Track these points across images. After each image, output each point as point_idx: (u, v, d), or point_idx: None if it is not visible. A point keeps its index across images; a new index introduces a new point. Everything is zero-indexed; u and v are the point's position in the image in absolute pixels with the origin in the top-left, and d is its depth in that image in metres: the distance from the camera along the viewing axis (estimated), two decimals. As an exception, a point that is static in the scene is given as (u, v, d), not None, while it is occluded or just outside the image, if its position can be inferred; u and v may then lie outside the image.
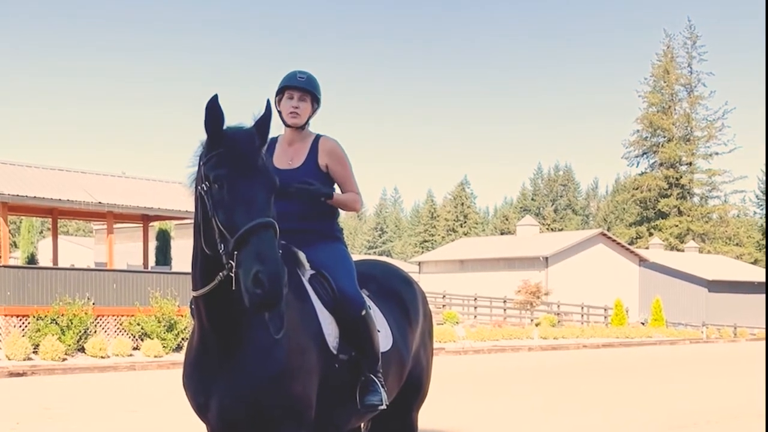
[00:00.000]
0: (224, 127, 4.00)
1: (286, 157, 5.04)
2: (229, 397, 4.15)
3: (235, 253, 3.69)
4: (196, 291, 4.13)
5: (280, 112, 5.04)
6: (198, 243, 4.05)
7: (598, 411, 13.56)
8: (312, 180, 4.93)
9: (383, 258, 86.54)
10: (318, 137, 5.10)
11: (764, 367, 18.90)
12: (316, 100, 5.06)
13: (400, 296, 5.43)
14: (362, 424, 5.48)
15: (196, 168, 4.11)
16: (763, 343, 48.68)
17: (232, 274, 3.73)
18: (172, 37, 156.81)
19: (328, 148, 5.05)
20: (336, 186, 5.13)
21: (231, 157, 3.88)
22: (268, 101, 4.15)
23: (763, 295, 65.31)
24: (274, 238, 3.73)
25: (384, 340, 4.95)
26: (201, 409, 4.35)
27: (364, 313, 4.70)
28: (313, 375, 4.33)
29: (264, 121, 4.10)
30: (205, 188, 3.89)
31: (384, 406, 4.72)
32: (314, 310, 4.54)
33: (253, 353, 4.14)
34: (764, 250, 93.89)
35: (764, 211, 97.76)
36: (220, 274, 3.87)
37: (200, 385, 4.29)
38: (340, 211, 5.20)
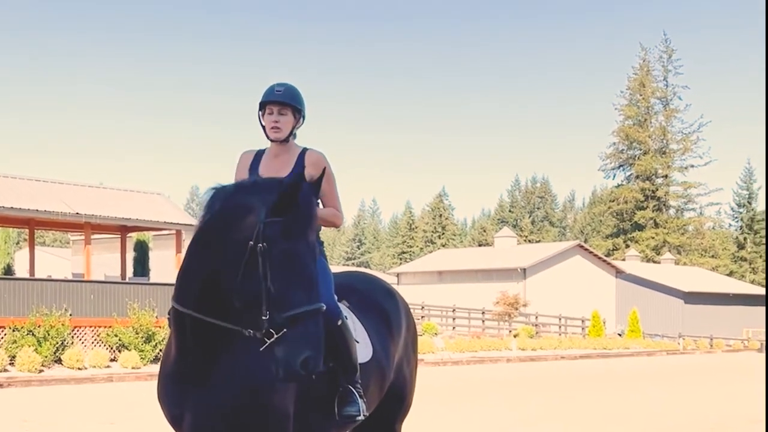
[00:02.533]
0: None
1: (272, 170, 5.02)
2: (205, 410, 4.16)
3: (284, 327, 3.73)
4: (185, 308, 4.13)
5: (263, 127, 5.05)
6: (211, 270, 4.01)
7: (578, 423, 13.59)
8: None
9: (362, 269, 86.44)
10: (305, 150, 5.10)
11: (744, 378, 19.01)
12: (297, 111, 5.06)
13: (382, 308, 5.42)
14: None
15: (238, 202, 4.06)
16: (740, 354, 49.07)
17: (267, 340, 3.75)
18: (149, 44, 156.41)
19: (314, 160, 5.03)
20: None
21: (297, 230, 3.92)
22: (324, 169, 4.22)
23: (739, 307, 65.85)
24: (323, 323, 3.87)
25: (363, 350, 4.93)
26: (176, 421, 4.34)
27: (340, 323, 4.67)
28: (290, 387, 4.32)
29: (318, 185, 4.18)
30: (262, 248, 3.86)
31: (362, 417, 4.69)
32: None
33: (231, 366, 4.15)
34: (739, 262, 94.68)
35: (739, 224, 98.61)
36: (249, 331, 3.88)
37: (177, 397, 4.29)
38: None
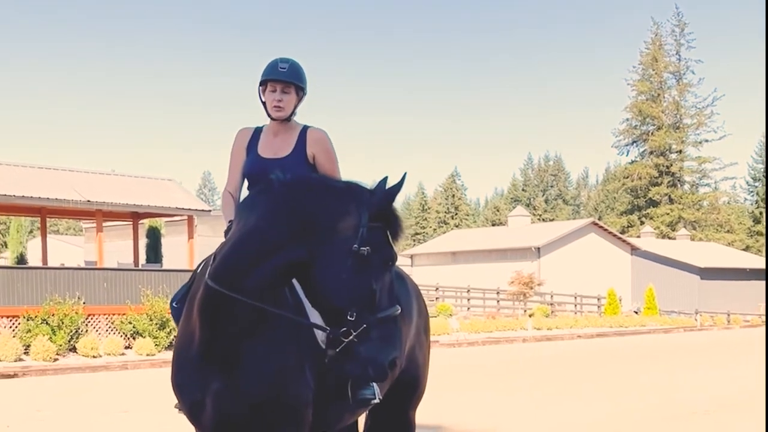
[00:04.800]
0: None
1: (272, 148, 4.90)
2: (231, 394, 4.07)
3: (365, 326, 3.83)
4: (235, 293, 3.97)
5: (264, 104, 4.91)
6: (297, 263, 3.96)
7: (595, 402, 13.47)
8: (299, 171, 4.78)
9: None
10: (306, 128, 4.95)
11: (763, 355, 18.84)
12: (300, 90, 4.92)
13: None
14: (359, 424, 5.39)
15: (345, 208, 4.02)
16: (758, 329, 48.79)
17: (344, 339, 3.82)
18: (157, 31, 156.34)
19: (315, 138, 4.91)
20: None
21: (391, 240, 4.08)
22: (404, 176, 4.17)
23: (756, 282, 65.50)
24: None
25: None
26: (195, 408, 4.21)
27: None
28: (307, 372, 4.24)
29: (398, 191, 4.14)
30: (365, 253, 3.90)
31: (377, 400, 4.60)
32: (303, 306, 4.40)
33: (259, 350, 4.08)
34: (755, 236, 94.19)
35: (755, 198, 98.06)
36: (327, 329, 3.91)
37: (199, 381, 4.16)
38: None
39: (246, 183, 4.98)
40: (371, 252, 3.91)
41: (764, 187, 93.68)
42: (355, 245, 3.89)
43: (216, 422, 4.15)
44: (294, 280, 4.43)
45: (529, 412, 12.35)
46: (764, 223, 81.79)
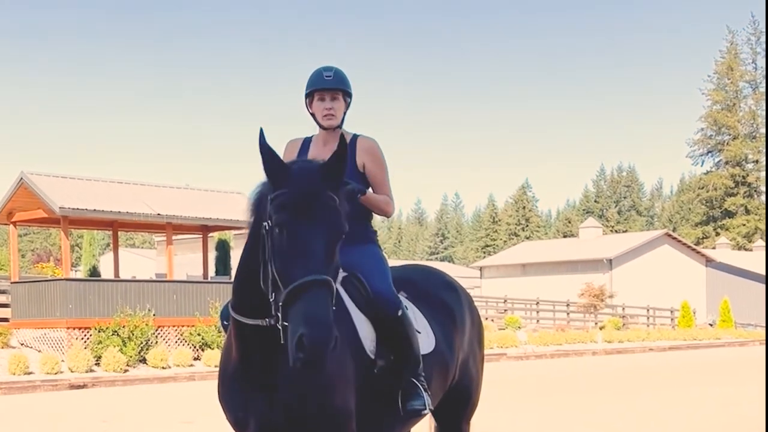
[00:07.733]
0: (291, 163, 3.89)
1: (322, 157, 4.86)
2: (271, 413, 4.04)
3: (285, 307, 3.53)
4: (240, 316, 4.01)
5: (313, 115, 4.89)
6: (251, 269, 3.91)
7: (656, 418, 13.20)
8: (348, 179, 4.75)
9: (444, 264, 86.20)
10: (355, 136, 4.92)
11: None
12: (347, 95, 4.90)
13: (443, 301, 5.20)
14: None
15: (259, 190, 3.96)
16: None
17: (279, 326, 3.58)
18: (228, 50, 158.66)
19: (366, 148, 4.87)
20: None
21: (295, 200, 3.67)
22: (341, 137, 3.87)
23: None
24: (328, 296, 3.52)
25: (425, 341, 4.75)
26: (239, 424, 4.22)
27: (400, 313, 4.49)
28: (351, 383, 4.18)
29: (337, 158, 3.84)
30: (266, 228, 3.73)
31: (427, 411, 4.55)
32: (348, 314, 4.37)
33: (290, 369, 3.98)
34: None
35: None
36: (267, 320, 3.80)
37: (241, 399, 4.16)
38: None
39: None
40: (271, 226, 3.68)
41: None
42: (265, 223, 3.74)
43: None
44: (341, 288, 4.41)
45: (578, 423, 12.15)
46: None
